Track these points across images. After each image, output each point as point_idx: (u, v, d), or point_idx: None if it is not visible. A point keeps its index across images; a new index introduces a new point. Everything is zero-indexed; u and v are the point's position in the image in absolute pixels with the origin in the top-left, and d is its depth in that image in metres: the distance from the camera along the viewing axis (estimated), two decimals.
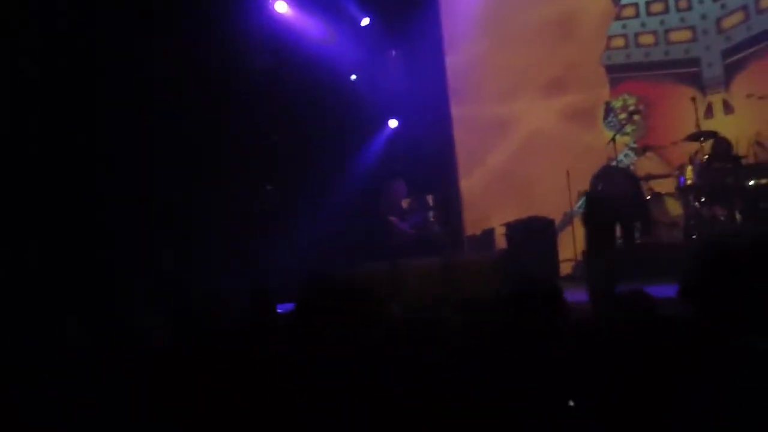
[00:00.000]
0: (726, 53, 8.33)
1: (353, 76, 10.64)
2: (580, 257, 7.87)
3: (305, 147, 9.71)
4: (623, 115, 8.92)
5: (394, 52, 10.82)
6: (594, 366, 2.14)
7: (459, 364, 2.19)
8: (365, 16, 10.50)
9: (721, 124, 7.99)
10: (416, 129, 10.31)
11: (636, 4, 9.01)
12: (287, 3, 9.91)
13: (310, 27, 10.09)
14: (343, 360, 2.23)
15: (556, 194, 8.32)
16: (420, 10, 10.64)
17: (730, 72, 8.29)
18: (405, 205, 8.79)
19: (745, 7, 8.17)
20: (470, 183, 10.60)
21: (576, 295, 4.24)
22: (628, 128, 8.78)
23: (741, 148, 7.49)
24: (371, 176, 9.72)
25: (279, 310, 3.57)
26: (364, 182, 9.58)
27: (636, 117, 8.77)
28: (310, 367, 2.25)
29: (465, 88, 10.71)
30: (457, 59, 10.78)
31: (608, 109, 9.18)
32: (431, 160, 10.38)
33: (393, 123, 10.72)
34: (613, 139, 8.09)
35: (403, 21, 10.44)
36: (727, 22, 8.33)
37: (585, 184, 8.05)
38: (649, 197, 7.83)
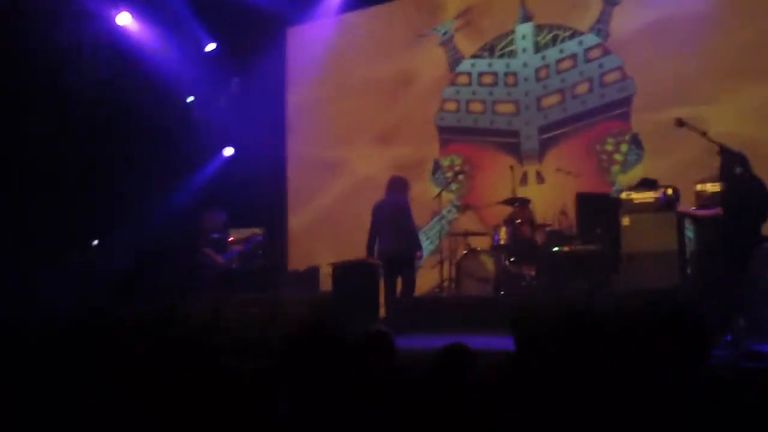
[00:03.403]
0: (542, 129, 9.20)
1: (190, 98, 10.50)
2: None
3: (132, 164, 9.40)
4: (450, 174, 9.53)
5: (236, 80, 10.82)
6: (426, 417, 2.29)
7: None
8: (212, 41, 10.45)
9: (534, 192, 8.78)
10: (250, 161, 10.33)
11: (469, 74, 9.73)
12: (132, 16, 9.65)
13: (153, 43, 9.87)
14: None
15: None
16: (267, 44, 10.78)
17: (544, 146, 9.15)
18: (232, 237, 8.70)
19: (561, 91, 9.12)
20: (299, 220, 10.75)
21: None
22: (453, 186, 9.39)
23: (548, 216, 8.29)
24: (199, 203, 9.57)
25: None
26: (190, 209, 9.39)
27: (461, 177, 9.41)
28: None
29: (303, 127, 10.92)
30: (298, 98, 10.99)
31: (437, 166, 9.77)
32: (262, 193, 10.43)
33: (228, 151, 10.67)
34: (439, 195, 8.67)
35: (249, 52, 10.51)
36: (546, 102, 9.22)
37: None
38: (466, 251, 8.40)
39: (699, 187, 6.43)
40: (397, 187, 7.33)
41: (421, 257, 7.53)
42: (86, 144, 8.96)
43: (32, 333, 3.01)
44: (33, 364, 2.62)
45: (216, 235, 8.53)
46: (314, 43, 10.72)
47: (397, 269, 7.09)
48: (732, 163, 5.75)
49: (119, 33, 9.64)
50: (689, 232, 6.97)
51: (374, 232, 7.23)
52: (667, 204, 6.61)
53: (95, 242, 9.10)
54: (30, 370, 2.58)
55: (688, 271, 6.64)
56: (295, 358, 2.47)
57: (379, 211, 7.25)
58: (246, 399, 2.38)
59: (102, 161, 9.12)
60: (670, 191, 6.81)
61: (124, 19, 9.63)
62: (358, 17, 10.50)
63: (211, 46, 10.45)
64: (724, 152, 5.79)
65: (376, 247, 7.22)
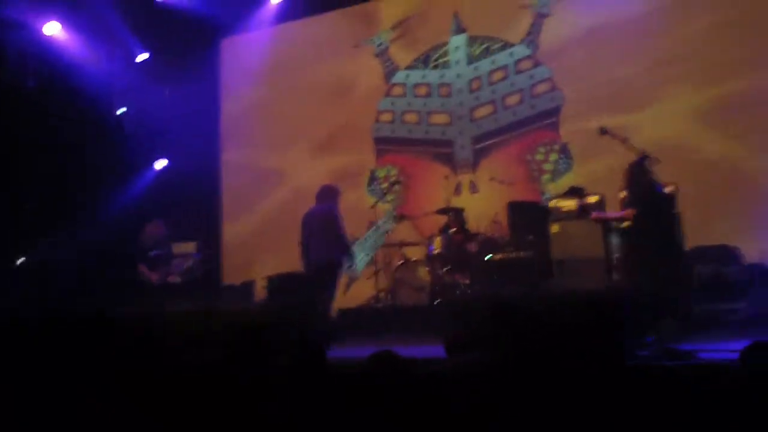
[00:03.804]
0: (475, 139, 9.36)
1: (121, 110, 10.32)
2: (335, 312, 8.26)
3: (64, 176, 9.18)
4: (385, 185, 9.59)
5: (167, 91, 10.67)
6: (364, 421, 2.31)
7: None
8: (143, 52, 10.29)
9: (468, 201, 8.91)
10: (184, 172, 10.19)
11: (404, 85, 9.85)
12: (61, 26, 9.44)
13: (83, 53, 9.66)
14: None
15: None
16: (200, 53, 10.67)
17: (478, 156, 9.31)
18: (175, 249, 8.53)
19: (494, 102, 9.30)
20: (235, 229, 10.64)
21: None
22: (389, 197, 9.45)
23: (482, 224, 8.42)
24: (132, 215, 9.37)
25: None
26: (122, 222, 9.17)
27: (396, 187, 9.48)
28: None
29: (238, 137, 10.84)
30: (233, 109, 10.91)
31: (373, 177, 9.82)
32: (197, 205, 10.30)
33: (160, 163, 10.50)
34: (375, 205, 8.73)
35: (182, 62, 10.38)
36: (479, 112, 9.39)
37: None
38: (402, 262, 8.46)
39: (622, 193, 6.63)
40: (327, 195, 7.26)
41: (351, 266, 7.50)
42: (12, 155, 8.70)
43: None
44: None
45: (155, 252, 8.32)
46: (250, 53, 10.68)
47: (327, 278, 7.05)
48: (640, 171, 5.99)
49: (47, 42, 9.42)
50: (615, 239, 7.19)
51: (306, 243, 7.20)
52: (583, 211, 6.80)
53: (19, 261, 8.82)
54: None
55: (614, 276, 6.83)
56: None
57: (308, 221, 7.21)
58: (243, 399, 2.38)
59: (28, 174, 8.86)
60: (595, 199, 7.01)
61: (53, 28, 9.41)
62: (294, 28, 10.50)
63: (143, 56, 10.29)
64: (640, 159, 6.03)
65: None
